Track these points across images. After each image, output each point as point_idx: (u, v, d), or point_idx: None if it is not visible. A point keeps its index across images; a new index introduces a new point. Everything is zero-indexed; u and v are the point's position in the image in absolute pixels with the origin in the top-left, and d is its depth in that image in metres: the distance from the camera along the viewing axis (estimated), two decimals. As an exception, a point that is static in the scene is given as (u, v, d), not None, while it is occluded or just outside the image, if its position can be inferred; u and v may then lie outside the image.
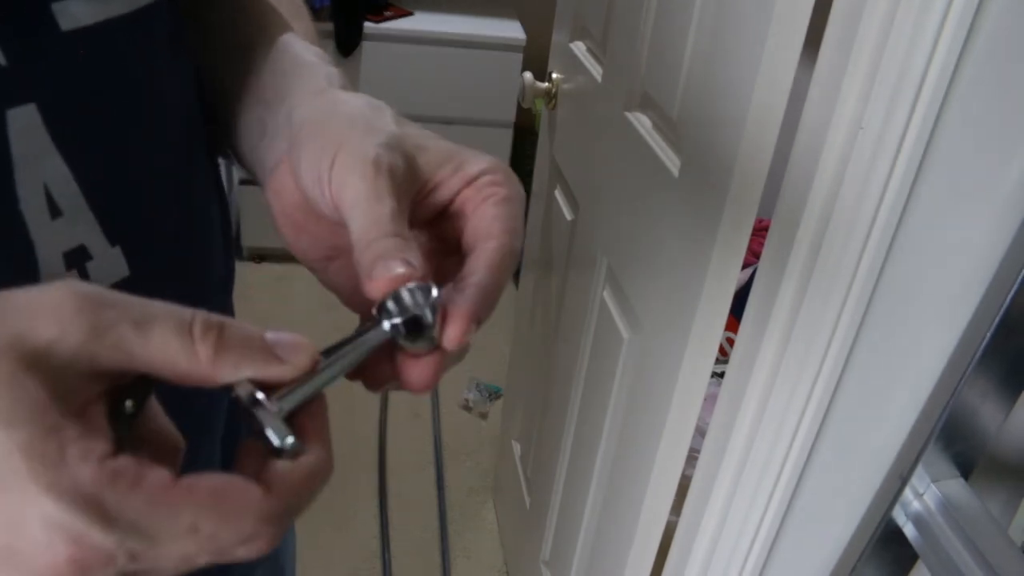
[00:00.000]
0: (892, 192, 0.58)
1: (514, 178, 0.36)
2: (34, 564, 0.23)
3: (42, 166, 0.34)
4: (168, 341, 0.25)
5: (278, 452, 0.27)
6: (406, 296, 0.31)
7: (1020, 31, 0.53)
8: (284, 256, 2.56)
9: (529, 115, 2.42)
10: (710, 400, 0.83)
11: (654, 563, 0.97)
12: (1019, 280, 0.55)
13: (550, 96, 1.35)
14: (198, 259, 0.48)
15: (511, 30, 2.39)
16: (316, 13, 2.23)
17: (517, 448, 1.67)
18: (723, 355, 0.91)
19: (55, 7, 0.34)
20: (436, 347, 0.31)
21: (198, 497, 0.24)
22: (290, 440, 0.27)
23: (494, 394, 2.16)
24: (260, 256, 2.58)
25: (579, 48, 1.24)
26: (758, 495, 0.74)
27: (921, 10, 0.52)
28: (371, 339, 0.31)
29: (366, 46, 2.29)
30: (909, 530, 0.63)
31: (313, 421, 0.29)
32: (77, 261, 0.37)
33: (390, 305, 0.31)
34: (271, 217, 0.39)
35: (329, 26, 2.24)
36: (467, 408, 2.14)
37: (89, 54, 0.36)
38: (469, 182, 0.36)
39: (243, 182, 2.34)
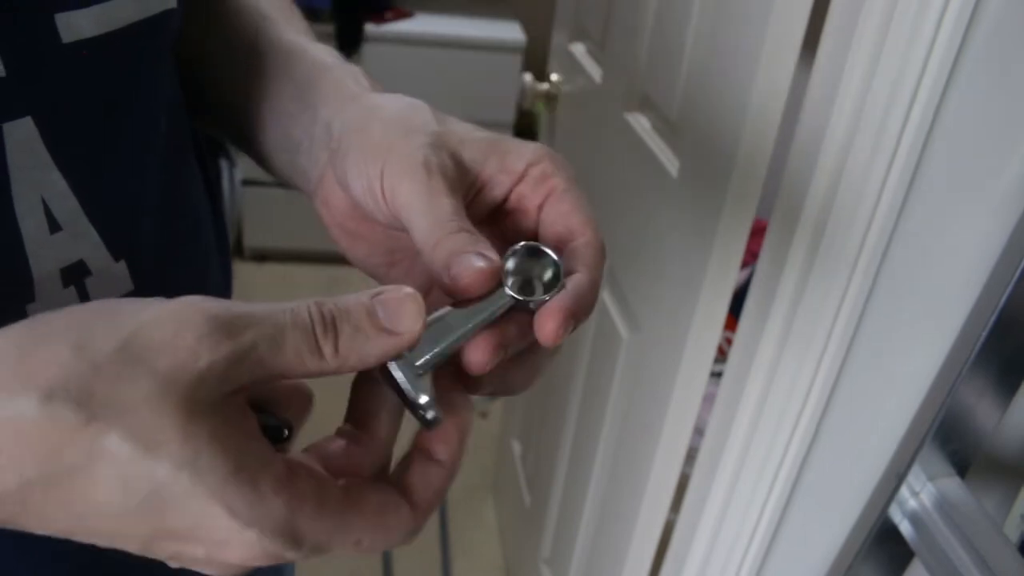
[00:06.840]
0: (889, 192, 0.58)
1: (562, 161, 0.35)
2: (231, 563, 0.27)
3: (40, 180, 0.33)
4: (299, 351, 0.27)
5: (426, 423, 0.30)
6: (522, 259, 0.32)
7: (1017, 29, 0.54)
8: (286, 256, 2.56)
9: (529, 117, 2.42)
10: (709, 399, 0.83)
11: (653, 560, 0.97)
12: (1015, 278, 0.55)
13: (550, 98, 1.35)
14: (198, 268, 0.47)
15: (511, 32, 2.39)
16: (317, 15, 2.24)
17: (517, 447, 1.67)
18: (722, 354, 0.91)
19: (58, 18, 0.33)
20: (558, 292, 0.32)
21: (365, 517, 0.28)
22: (432, 414, 0.30)
23: (494, 394, 2.16)
24: (262, 256, 2.59)
25: (579, 49, 1.24)
26: (756, 493, 0.74)
27: (919, 10, 0.53)
28: (497, 301, 0.31)
29: (367, 48, 2.30)
30: (905, 528, 0.63)
31: (454, 421, 0.31)
32: (75, 277, 0.36)
33: (509, 266, 0.32)
34: (325, 227, 0.38)
35: (330, 28, 2.24)
36: (467, 408, 2.14)
37: (89, 66, 0.35)
38: (519, 178, 0.35)
39: (246, 182, 2.35)
